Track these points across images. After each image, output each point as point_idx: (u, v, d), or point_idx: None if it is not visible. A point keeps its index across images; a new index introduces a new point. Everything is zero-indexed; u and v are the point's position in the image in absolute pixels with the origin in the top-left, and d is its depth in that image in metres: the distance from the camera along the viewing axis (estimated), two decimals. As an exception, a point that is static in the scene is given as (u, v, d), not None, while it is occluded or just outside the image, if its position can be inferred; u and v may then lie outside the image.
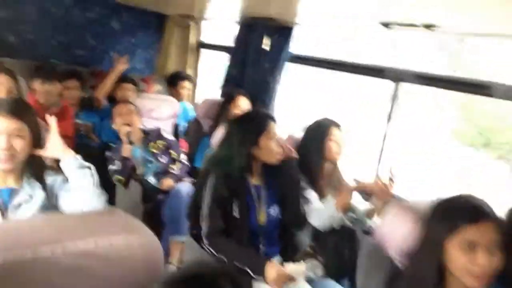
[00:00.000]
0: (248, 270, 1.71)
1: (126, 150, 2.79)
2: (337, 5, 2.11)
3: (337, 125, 2.16)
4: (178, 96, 3.77)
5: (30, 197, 1.49)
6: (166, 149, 2.95)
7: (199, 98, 4.20)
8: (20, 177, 1.50)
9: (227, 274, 0.76)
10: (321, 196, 2.10)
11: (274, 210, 1.95)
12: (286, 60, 3.02)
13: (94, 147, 3.45)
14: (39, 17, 3.77)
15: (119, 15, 4.14)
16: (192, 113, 3.88)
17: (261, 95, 3.11)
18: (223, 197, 1.82)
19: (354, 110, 3.04)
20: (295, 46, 3.02)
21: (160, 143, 2.93)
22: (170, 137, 3.04)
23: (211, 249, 1.80)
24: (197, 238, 1.95)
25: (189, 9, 3.39)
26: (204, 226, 1.83)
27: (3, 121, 1.42)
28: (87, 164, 1.50)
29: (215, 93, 3.59)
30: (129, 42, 4.26)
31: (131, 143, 2.82)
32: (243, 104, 2.95)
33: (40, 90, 3.07)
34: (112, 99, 3.65)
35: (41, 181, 1.52)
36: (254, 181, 1.95)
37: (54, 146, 1.49)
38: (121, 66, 3.55)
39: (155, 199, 2.69)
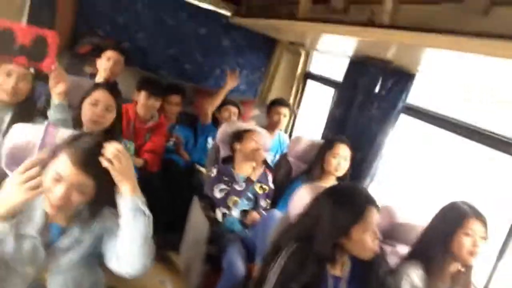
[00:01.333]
0: None
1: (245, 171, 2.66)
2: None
3: (479, 216, 1.66)
4: (273, 123, 3.53)
5: (78, 241, 1.34)
6: (267, 196, 2.74)
7: (297, 132, 3.93)
8: (71, 216, 1.34)
9: None
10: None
11: None
12: (401, 111, 2.58)
13: (181, 167, 3.38)
14: (155, 27, 3.84)
15: (230, 33, 4.07)
16: (285, 146, 3.63)
17: (364, 145, 2.70)
18: (293, 281, 1.48)
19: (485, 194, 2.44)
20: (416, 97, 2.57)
21: (265, 186, 2.73)
22: (272, 186, 2.80)
23: None
24: None
25: (301, 38, 3.14)
26: None
27: (68, 170, 1.22)
28: (147, 212, 1.28)
29: (315, 131, 3.28)
30: (236, 62, 4.16)
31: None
32: (342, 154, 2.59)
33: (143, 104, 3.07)
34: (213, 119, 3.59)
35: (92, 223, 1.36)
36: (334, 271, 1.57)
37: (124, 171, 1.26)
38: (233, 82, 3.50)
39: (221, 241, 2.44)
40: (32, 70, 2.03)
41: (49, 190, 1.21)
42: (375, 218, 1.50)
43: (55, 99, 1.95)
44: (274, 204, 2.75)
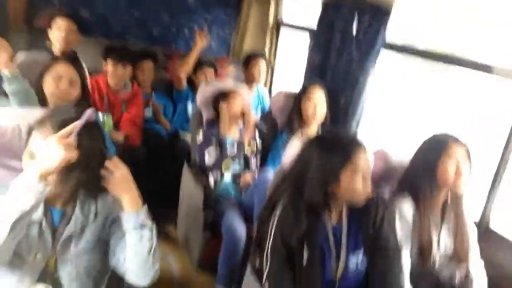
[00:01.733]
0: None
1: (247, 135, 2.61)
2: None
3: (460, 143, 1.64)
4: (251, 78, 3.44)
5: (82, 226, 1.27)
6: (256, 155, 2.68)
7: (277, 86, 3.84)
8: (68, 199, 1.27)
9: None
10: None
11: (358, 260, 1.53)
12: (381, 48, 2.51)
13: (163, 137, 3.28)
14: None
15: None
16: (266, 100, 3.56)
17: (346, 90, 2.64)
18: (290, 235, 1.44)
19: (472, 122, 2.42)
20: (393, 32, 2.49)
21: (254, 145, 2.67)
22: (259, 143, 2.72)
23: None
24: (259, 274, 1.61)
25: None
26: (266, 266, 1.49)
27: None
28: (149, 224, 1.24)
29: (296, 82, 3.19)
30: (204, 19, 3.97)
31: None
32: (317, 99, 2.54)
33: (112, 72, 2.92)
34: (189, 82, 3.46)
35: (92, 206, 1.30)
36: (332, 220, 1.54)
37: (123, 185, 1.21)
38: (202, 42, 3.35)
39: (216, 206, 2.40)
40: None
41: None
42: (364, 161, 1.45)
43: (4, 71, 1.85)
44: (262, 160, 2.71)
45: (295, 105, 2.61)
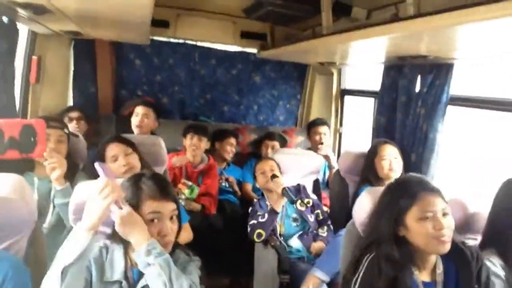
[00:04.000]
0: None
1: (277, 202, 2.62)
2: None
3: None
4: (315, 144, 3.56)
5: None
6: (313, 208, 2.70)
7: (345, 149, 3.88)
8: None
9: None
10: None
11: None
12: (446, 103, 2.49)
13: (236, 204, 3.41)
14: (188, 78, 4.03)
15: (260, 69, 4.17)
16: (333, 164, 3.60)
17: (417, 146, 2.62)
18: None
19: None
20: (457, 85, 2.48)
21: (307, 201, 2.70)
22: (314, 196, 2.78)
23: None
24: None
25: (330, 57, 3.15)
26: None
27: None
28: (158, 259, 1.27)
29: (363, 143, 3.23)
30: (271, 95, 4.24)
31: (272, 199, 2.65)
32: (391, 155, 2.53)
33: (189, 145, 3.18)
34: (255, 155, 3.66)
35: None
36: (423, 276, 1.46)
37: (132, 226, 1.30)
38: None
39: (293, 270, 2.39)
40: (66, 130, 2.17)
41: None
42: (434, 204, 1.40)
43: (56, 185, 1.92)
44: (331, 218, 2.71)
45: (368, 164, 2.61)
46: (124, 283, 1.33)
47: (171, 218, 1.37)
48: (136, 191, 1.36)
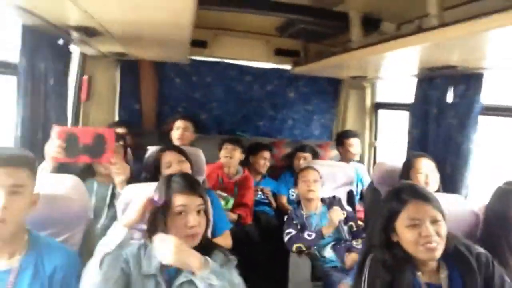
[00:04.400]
0: None
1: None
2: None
3: None
4: (346, 155, 3.62)
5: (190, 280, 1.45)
6: (346, 220, 2.74)
7: (379, 160, 3.91)
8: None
9: None
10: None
11: None
12: (478, 112, 2.51)
13: (271, 216, 3.50)
14: (225, 95, 4.21)
15: (294, 85, 4.30)
16: (365, 176, 3.64)
17: (450, 157, 2.63)
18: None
19: None
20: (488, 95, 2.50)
21: (342, 212, 2.74)
22: (349, 209, 2.83)
23: None
24: None
25: (362, 71, 3.24)
26: None
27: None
28: (215, 281, 1.37)
29: (398, 157, 3.25)
30: (305, 110, 4.34)
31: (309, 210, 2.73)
32: (426, 168, 2.54)
33: (224, 155, 3.33)
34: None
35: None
36: (427, 278, 1.49)
37: (181, 254, 1.40)
38: None
39: (327, 278, 2.44)
40: (121, 142, 2.36)
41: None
42: (421, 211, 1.43)
43: (119, 189, 2.08)
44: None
45: (404, 178, 2.60)
46: (160, 277, 1.44)
47: (198, 212, 1.49)
48: (167, 188, 1.50)
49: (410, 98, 3.10)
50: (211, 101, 4.22)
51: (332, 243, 2.67)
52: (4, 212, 1.27)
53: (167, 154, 2.30)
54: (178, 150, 2.37)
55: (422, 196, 1.47)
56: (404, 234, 1.44)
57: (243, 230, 3.06)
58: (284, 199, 3.64)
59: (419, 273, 1.48)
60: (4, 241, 1.34)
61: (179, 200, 1.47)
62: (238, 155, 3.39)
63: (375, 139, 4.05)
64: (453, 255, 1.48)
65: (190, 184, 1.52)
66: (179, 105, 4.15)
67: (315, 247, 2.64)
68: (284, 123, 4.36)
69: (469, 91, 2.52)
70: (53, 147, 1.82)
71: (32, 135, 2.18)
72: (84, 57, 3.35)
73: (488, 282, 1.47)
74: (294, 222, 2.71)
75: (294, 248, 2.60)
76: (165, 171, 2.20)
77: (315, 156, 3.73)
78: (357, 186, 3.54)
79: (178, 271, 1.46)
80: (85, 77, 3.43)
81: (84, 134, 1.86)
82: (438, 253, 1.43)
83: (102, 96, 3.61)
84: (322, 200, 2.81)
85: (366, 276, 1.47)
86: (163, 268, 1.46)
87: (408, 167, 2.57)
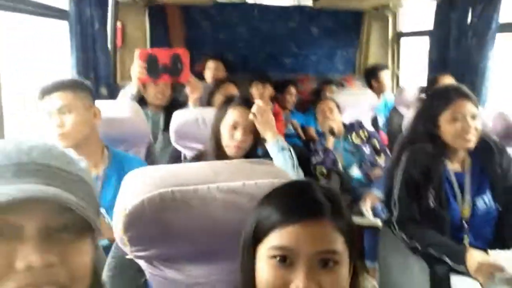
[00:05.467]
0: (446, 259, 1.53)
1: (329, 141, 2.92)
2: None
3: None
4: (378, 88, 3.76)
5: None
6: (368, 140, 2.95)
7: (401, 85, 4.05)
8: None
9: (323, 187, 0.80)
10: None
11: (485, 201, 1.69)
12: (496, 31, 2.62)
13: (301, 148, 3.75)
14: (250, 35, 4.36)
15: (317, 21, 4.39)
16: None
17: (469, 76, 2.78)
18: (415, 182, 1.67)
19: None
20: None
21: (362, 134, 2.96)
22: (371, 128, 3.03)
23: (402, 235, 1.68)
24: (388, 222, 1.85)
25: (384, -1, 3.32)
26: (395, 211, 1.72)
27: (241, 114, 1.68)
28: (287, 146, 1.67)
29: (419, 82, 3.40)
30: (328, 45, 4.45)
31: (333, 135, 2.94)
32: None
33: (256, 93, 3.52)
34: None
35: None
36: (455, 167, 1.73)
37: (267, 122, 1.67)
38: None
39: (353, 191, 2.71)
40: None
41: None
42: (464, 107, 1.62)
43: (191, 104, 2.33)
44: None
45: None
46: None
47: (247, 130, 1.67)
48: (226, 104, 1.73)
49: (430, 25, 3.20)
50: (237, 42, 4.37)
51: (357, 163, 2.92)
52: (62, 128, 1.53)
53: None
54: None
55: (465, 95, 1.67)
56: (447, 127, 1.66)
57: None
58: (312, 131, 3.86)
59: (448, 163, 1.71)
60: (81, 153, 1.61)
61: (233, 114, 1.68)
62: (268, 92, 3.60)
63: (398, 68, 4.16)
64: (480, 148, 1.70)
65: (245, 100, 1.73)
66: (206, 48, 4.33)
67: (342, 167, 2.89)
68: (308, 59, 4.49)
69: (487, 10, 2.61)
70: (136, 68, 2.00)
71: (85, 74, 2.45)
72: (116, 3, 3.53)
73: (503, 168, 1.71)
74: (318, 149, 2.96)
75: (318, 174, 2.85)
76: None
77: (342, 86, 3.88)
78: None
79: None
80: (119, 24, 3.63)
81: (162, 55, 1.98)
82: (473, 144, 1.65)
83: (134, 42, 3.81)
84: (344, 125, 3.03)
85: (404, 166, 1.70)
86: None
87: (432, 84, 2.74)
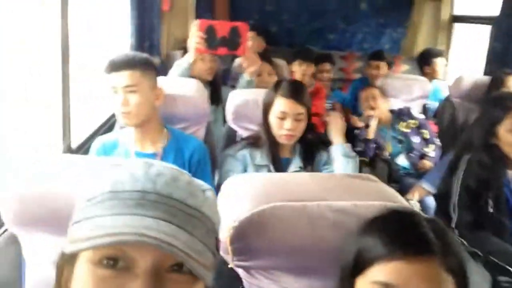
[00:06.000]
0: (509, 268, 1.50)
1: (370, 132, 2.84)
2: None
3: None
4: (430, 75, 3.60)
5: (300, 168, 1.73)
6: (418, 129, 2.85)
7: (452, 78, 3.89)
8: (293, 149, 1.76)
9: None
10: None
11: None
12: None
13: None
14: (297, 8, 4.21)
15: None
16: (443, 93, 3.65)
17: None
18: (474, 187, 1.65)
19: None
20: None
21: (411, 122, 2.86)
22: (421, 116, 2.92)
23: (462, 240, 1.67)
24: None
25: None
26: (454, 216, 1.71)
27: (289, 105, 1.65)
28: (353, 154, 1.65)
29: (472, 71, 3.24)
30: (377, 23, 4.28)
31: (379, 122, 2.86)
32: None
33: (297, 71, 3.44)
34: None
35: (311, 156, 1.75)
36: None
37: (337, 129, 1.71)
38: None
39: (401, 181, 2.66)
40: None
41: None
42: None
43: (247, 76, 2.32)
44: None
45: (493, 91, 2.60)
46: (271, 167, 1.70)
47: (296, 119, 1.65)
48: (274, 90, 1.70)
49: (491, 11, 3.01)
50: (283, 14, 4.24)
51: (405, 152, 2.85)
52: (126, 107, 1.52)
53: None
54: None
55: None
56: (506, 137, 1.60)
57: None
58: (355, 120, 3.75)
59: (510, 172, 1.66)
60: (141, 131, 1.61)
61: (280, 104, 1.66)
62: (310, 70, 3.50)
63: (447, 53, 3.98)
64: None
65: (294, 90, 1.67)
66: (251, 18, 4.21)
67: (390, 155, 2.83)
68: (354, 36, 4.35)
69: None
70: (195, 39, 1.96)
71: (140, 43, 2.41)
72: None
73: None
74: (360, 139, 2.88)
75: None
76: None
77: (390, 65, 3.72)
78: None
79: (289, 162, 1.71)
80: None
81: (221, 27, 1.94)
82: None
83: (179, 8, 3.73)
84: (392, 111, 2.93)
85: (461, 174, 1.67)
86: (276, 160, 1.71)
87: (498, 83, 2.58)
